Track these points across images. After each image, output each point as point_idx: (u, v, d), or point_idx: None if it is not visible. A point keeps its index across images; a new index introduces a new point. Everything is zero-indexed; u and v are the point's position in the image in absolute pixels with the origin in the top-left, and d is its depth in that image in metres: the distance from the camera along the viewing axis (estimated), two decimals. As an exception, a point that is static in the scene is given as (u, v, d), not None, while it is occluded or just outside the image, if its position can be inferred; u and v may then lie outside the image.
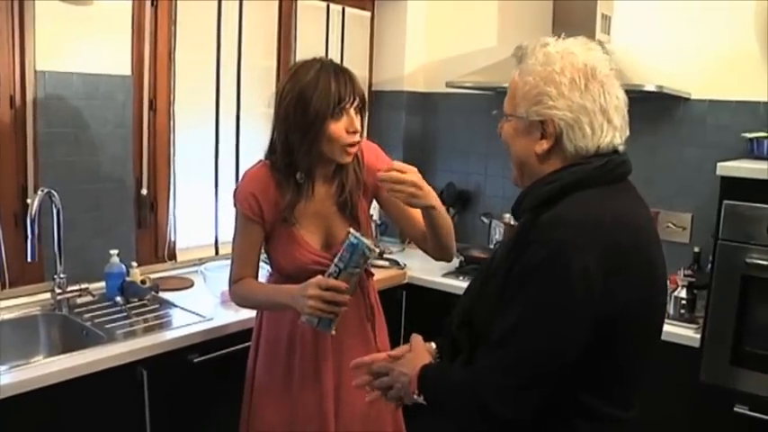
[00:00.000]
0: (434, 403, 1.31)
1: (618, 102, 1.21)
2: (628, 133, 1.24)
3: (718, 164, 2.21)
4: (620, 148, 1.23)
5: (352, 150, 1.71)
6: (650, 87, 2.45)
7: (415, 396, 1.32)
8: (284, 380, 1.85)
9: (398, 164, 1.63)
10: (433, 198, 1.66)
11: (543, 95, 1.18)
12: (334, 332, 1.66)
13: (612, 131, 1.20)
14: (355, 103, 1.67)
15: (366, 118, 1.75)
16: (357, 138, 1.69)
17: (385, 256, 3.07)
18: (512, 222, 3.04)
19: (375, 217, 3.36)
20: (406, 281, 2.89)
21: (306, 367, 1.83)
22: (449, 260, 1.88)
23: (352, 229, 1.62)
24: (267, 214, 1.77)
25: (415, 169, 1.62)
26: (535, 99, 1.19)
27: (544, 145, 1.21)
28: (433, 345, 1.50)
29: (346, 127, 1.66)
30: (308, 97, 1.64)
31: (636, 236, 1.18)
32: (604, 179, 1.19)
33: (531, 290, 1.13)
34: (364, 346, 1.86)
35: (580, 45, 1.23)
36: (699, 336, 2.26)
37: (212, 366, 2.03)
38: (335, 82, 1.65)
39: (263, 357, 1.89)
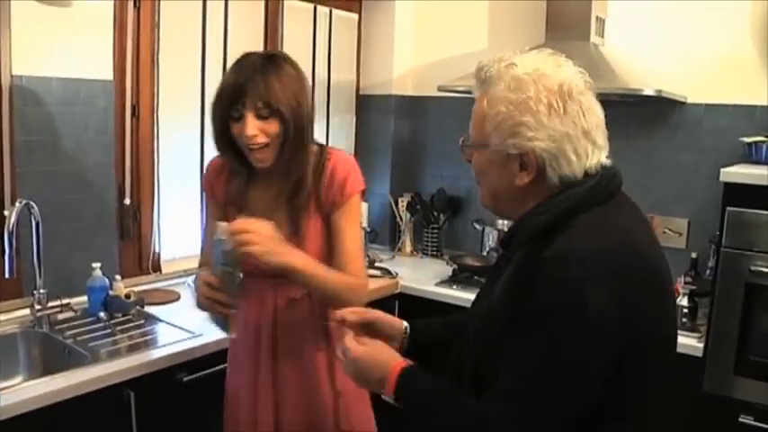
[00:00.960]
0: (419, 414, 1.22)
1: (598, 119, 1.14)
2: (607, 148, 1.17)
3: (722, 170, 2.16)
4: (608, 162, 1.16)
5: (257, 155, 1.60)
6: (649, 92, 2.40)
7: (386, 397, 1.23)
8: (235, 394, 1.81)
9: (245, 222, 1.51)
10: (290, 260, 1.53)
11: (520, 126, 1.08)
12: (233, 335, 1.63)
13: (598, 153, 1.13)
14: (252, 108, 1.55)
15: (293, 125, 1.58)
16: (254, 143, 1.57)
17: (376, 264, 3.00)
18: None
19: (365, 224, 3.29)
20: (398, 290, 2.82)
21: (246, 384, 1.78)
22: None
23: (220, 222, 1.52)
24: (219, 199, 1.76)
25: (262, 229, 1.50)
26: (511, 131, 1.09)
27: (525, 178, 1.12)
28: (405, 323, 1.42)
29: (241, 131, 1.57)
30: (218, 93, 1.60)
31: (643, 257, 1.10)
32: (599, 199, 1.12)
33: (545, 335, 1.04)
34: (304, 377, 1.73)
35: (550, 63, 1.13)
36: (701, 345, 2.22)
37: (203, 385, 1.94)
38: (239, 82, 1.55)
39: (228, 371, 1.86)
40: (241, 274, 1.54)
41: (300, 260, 1.57)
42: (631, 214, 1.18)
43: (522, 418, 1.05)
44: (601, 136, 1.13)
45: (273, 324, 1.74)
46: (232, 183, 1.73)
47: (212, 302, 1.56)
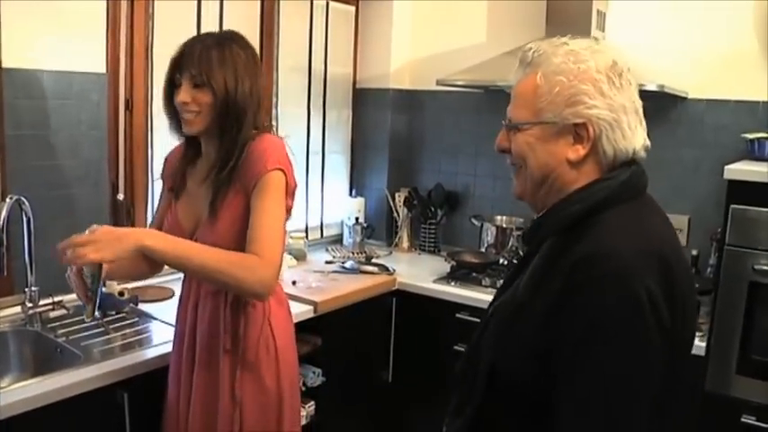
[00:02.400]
0: None
1: (640, 102, 1.15)
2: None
3: (726, 167, 2.13)
4: (644, 154, 1.15)
5: (189, 121, 1.62)
6: (651, 87, 2.36)
7: None
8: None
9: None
10: (135, 241, 1.47)
11: (581, 95, 1.09)
12: (87, 318, 1.63)
13: (642, 132, 1.14)
14: (188, 76, 1.59)
15: (224, 100, 1.59)
16: (185, 109, 1.61)
17: (373, 260, 2.96)
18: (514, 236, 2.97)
19: (361, 219, 3.26)
20: (395, 287, 2.78)
21: (171, 384, 1.82)
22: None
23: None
24: (167, 181, 1.81)
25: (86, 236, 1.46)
26: (570, 100, 1.09)
27: (580, 151, 1.11)
28: None
29: (177, 97, 1.61)
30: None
31: (677, 256, 1.08)
32: (630, 193, 1.11)
33: (607, 348, 0.99)
34: (210, 384, 1.71)
35: (596, 44, 1.16)
36: (704, 344, 2.18)
37: (198, 385, 1.90)
38: (182, 50, 1.63)
39: None
40: (93, 273, 1.51)
41: (150, 238, 1.51)
42: (660, 215, 1.16)
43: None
44: (643, 119, 1.14)
45: (192, 325, 1.75)
46: (175, 162, 1.79)
47: (75, 287, 1.56)
